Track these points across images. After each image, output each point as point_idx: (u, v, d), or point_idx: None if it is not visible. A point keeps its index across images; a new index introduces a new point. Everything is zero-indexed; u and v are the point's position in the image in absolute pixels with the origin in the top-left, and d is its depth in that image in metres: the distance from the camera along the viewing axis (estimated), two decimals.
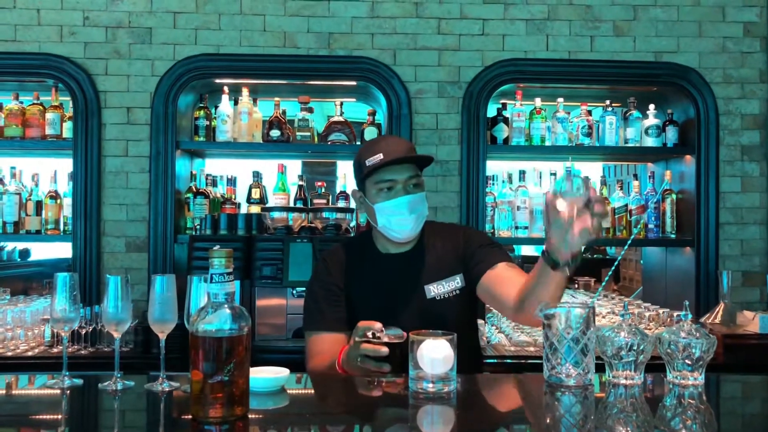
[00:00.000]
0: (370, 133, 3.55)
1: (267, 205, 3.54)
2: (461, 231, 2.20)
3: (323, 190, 3.61)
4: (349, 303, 2.11)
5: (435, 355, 1.61)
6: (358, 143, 3.58)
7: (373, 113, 3.61)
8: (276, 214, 3.24)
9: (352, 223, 3.45)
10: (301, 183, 3.63)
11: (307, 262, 3.00)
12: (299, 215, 3.29)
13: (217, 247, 1.42)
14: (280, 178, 3.57)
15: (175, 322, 1.71)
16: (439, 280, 2.09)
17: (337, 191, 3.64)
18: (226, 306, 1.40)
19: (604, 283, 1.89)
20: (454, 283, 2.09)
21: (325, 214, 3.29)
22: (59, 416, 1.59)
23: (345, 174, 3.69)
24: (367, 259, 2.16)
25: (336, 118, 3.58)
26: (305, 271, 2.96)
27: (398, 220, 2.06)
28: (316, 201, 3.56)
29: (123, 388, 1.66)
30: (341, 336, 2.04)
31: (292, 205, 3.54)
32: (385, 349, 1.77)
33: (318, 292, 2.12)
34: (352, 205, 3.56)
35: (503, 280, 2.01)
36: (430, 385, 1.60)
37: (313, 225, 3.27)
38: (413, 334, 1.66)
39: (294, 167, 3.96)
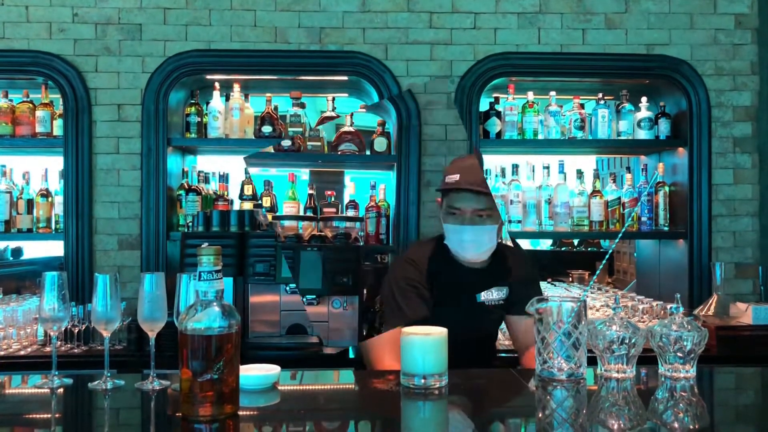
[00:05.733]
0: (379, 144, 3.54)
1: (278, 214, 3.53)
2: (520, 255, 2.43)
3: (333, 199, 3.60)
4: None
5: (427, 350, 1.61)
6: (368, 153, 3.57)
7: (383, 124, 3.60)
8: (286, 223, 3.26)
9: (361, 233, 3.45)
10: (311, 192, 3.62)
11: (316, 270, 3.01)
12: (309, 224, 3.30)
13: (205, 245, 1.41)
14: (290, 187, 3.56)
15: (165, 321, 1.70)
16: (489, 287, 2.26)
17: (346, 201, 3.64)
18: (215, 304, 1.40)
19: (595, 277, 1.89)
20: (501, 293, 2.27)
21: (335, 223, 3.31)
22: (49, 416, 1.58)
23: (354, 183, 3.70)
24: (447, 269, 2.26)
25: (346, 128, 3.56)
26: (315, 279, 2.99)
27: (458, 245, 2.21)
28: (325, 210, 3.55)
29: (113, 387, 1.66)
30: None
31: (302, 213, 3.54)
32: None
33: (407, 288, 2.20)
34: (361, 214, 3.56)
35: (525, 331, 2.20)
36: (422, 380, 1.60)
37: (323, 234, 3.27)
38: (404, 329, 1.67)
39: (305, 177, 3.94)
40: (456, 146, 3.49)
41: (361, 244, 3.41)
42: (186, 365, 1.38)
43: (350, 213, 3.56)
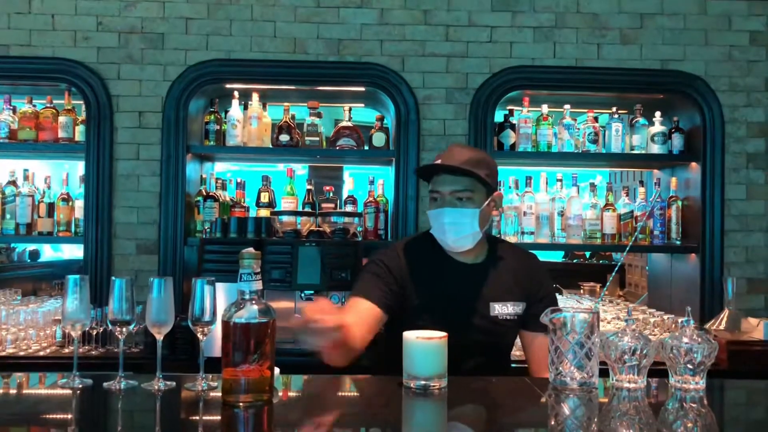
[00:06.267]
0: (378, 139, 3.59)
1: (276, 209, 3.58)
2: (538, 268, 2.28)
3: (331, 195, 3.64)
4: (411, 299, 2.13)
5: (426, 352, 1.67)
6: (366, 148, 3.62)
7: (381, 119, 3.64)
8: (285, 218, 3.28)
9: (360, 228, 3.49)
10: (309, 187, 3.67)
11: (315, 265, 3.03)
12: (308, 219, 3.32)
13: (247, 250, 1.55)
14: (288, 183, 3.61)
15: (171, 323, 1.74)
16: (505, 301, 2.16)
17: (344, 196, 3.68)
18: (254, 302, 1.53)
19: (605, 288, 1.92)
20: (518, 308, 2.18)
21: (333, 219, 3.32)
22: (69, 415, 1.62)
23: (352, 179, 3.73)
24: (437, 262, 2.19)
25: (344, 123, 3.62)
26: (314, 275, 3.00)
27: (438, 230, 2.13)
28: (324, 205, 3.59)
29: (126, 388, 1.70)
30: (377, 310, 2.05)
31: (300, 209, 3.57)
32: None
33: (376, 270, 2.15)
34: (360, 209, 3.60)
35: (541, 350, 2.11)
36: (423, 382, 1.65)
37: (321, 229, 3.30)
38: (405, 333, 1.72)
39: (302, 171, 4.00)
40: (455, 141, 3.53)
41: (360, 239, 3.41)
42: (226, 354, 1.52)
43: (349, 208, 3.59)
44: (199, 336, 1.70)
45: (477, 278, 2.17)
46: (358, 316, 2.01)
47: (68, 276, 1.79)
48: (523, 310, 2.18)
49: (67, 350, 3.02)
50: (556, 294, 2.35)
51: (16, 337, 3.04)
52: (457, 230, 2.10)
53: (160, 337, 1.76)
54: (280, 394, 1.69)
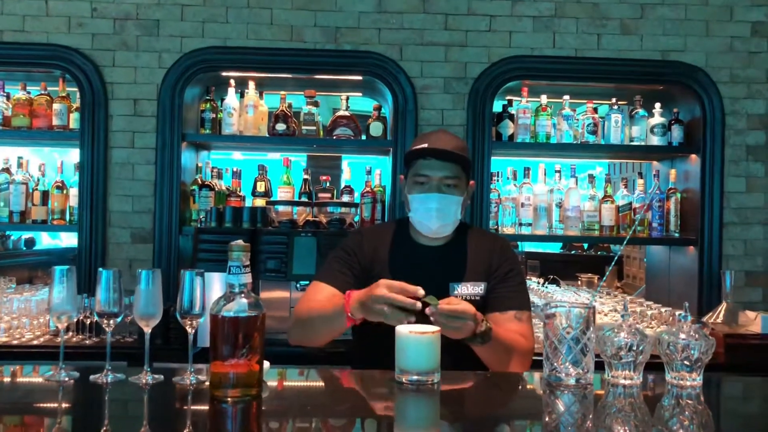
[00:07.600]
0: (375, 128, 3.56)
1: (272, 199, 3.55)
2: (500, 247, 2.23)
3: (328, 185, 3.61)
4: (374, 282, 2.05)
5: (419, 347, 1.65)
6: (363, 138, 3.59)
7: (378, 108, 3.61)
8: (281, 208, 3.25)
9: (356, 218, 3.46)
10: (306, 177, 3.64)
11: (311, 255, 3.01)
12: (304, 209, 3.30)
13: (236, 242, 1.52)
14: (285, 172, 3.58)
15: (160, 316, 1.71)
16: (465, 281, 2.14)
17: (342, 186, 3.65)
18: (243, 295, 1.51)
19: (603, 281, 1.90)
20: (479, 288, 2.14)
21: (329, 209, 3.30)
22: (54, 404, 1.60)
23: (350, 168, 3.70)
24: (400, 245, 2.20)
25: (342, 113, 3.59)
26: (309, 265, 2.98)
27: (424, 215, 2.12)
28: (320, 195, 3.56)
29: (113, 381, 1.68)
30: (341, 294, 2.04)
31: (297, 198, 3.55)
32: (418, 305, 1.78)
33: (342, 256, 2.18)
34: (357, 199, 3.57)
35: (507, 330, 2.06)
36: (416, 377, 1.63)
37: (317, 219, 3.27)
38: (398, 327, 1.69)
39: (299, 160, 3.96)
40: (453, 131, 3.45)
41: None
42: (215, 348, 1.49)
43: (345, 198, 3.57)
44: (188, 329, 1.68)
45: (438, 260, 2.17)
46: (330, 303, 2.02)
47: (54, 267, 1.75)
48: (484, 291, 2.14)
49: (60, 339, 2.99)
50: (524, 277, 2.27)
51: (10, 326, 3.03)
52: (443, 217, 2.11)
53: (148, 330, 1.73)
54: (274, 385, 1.67)
